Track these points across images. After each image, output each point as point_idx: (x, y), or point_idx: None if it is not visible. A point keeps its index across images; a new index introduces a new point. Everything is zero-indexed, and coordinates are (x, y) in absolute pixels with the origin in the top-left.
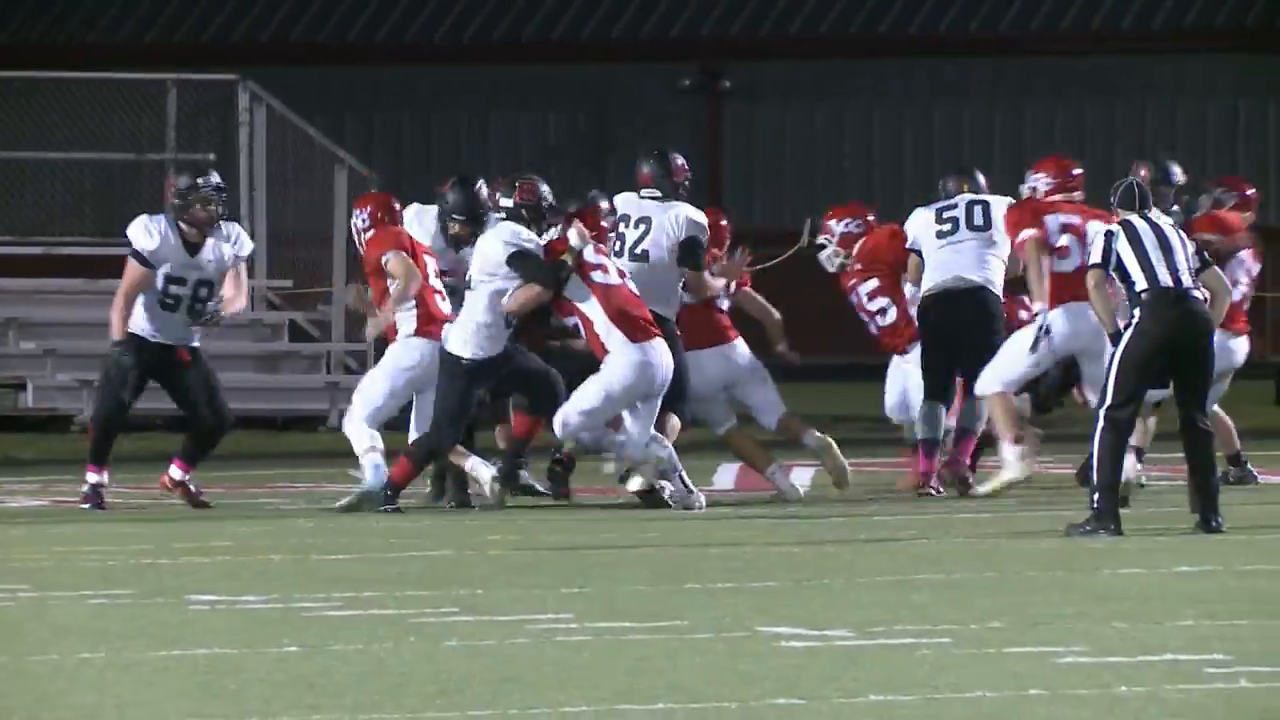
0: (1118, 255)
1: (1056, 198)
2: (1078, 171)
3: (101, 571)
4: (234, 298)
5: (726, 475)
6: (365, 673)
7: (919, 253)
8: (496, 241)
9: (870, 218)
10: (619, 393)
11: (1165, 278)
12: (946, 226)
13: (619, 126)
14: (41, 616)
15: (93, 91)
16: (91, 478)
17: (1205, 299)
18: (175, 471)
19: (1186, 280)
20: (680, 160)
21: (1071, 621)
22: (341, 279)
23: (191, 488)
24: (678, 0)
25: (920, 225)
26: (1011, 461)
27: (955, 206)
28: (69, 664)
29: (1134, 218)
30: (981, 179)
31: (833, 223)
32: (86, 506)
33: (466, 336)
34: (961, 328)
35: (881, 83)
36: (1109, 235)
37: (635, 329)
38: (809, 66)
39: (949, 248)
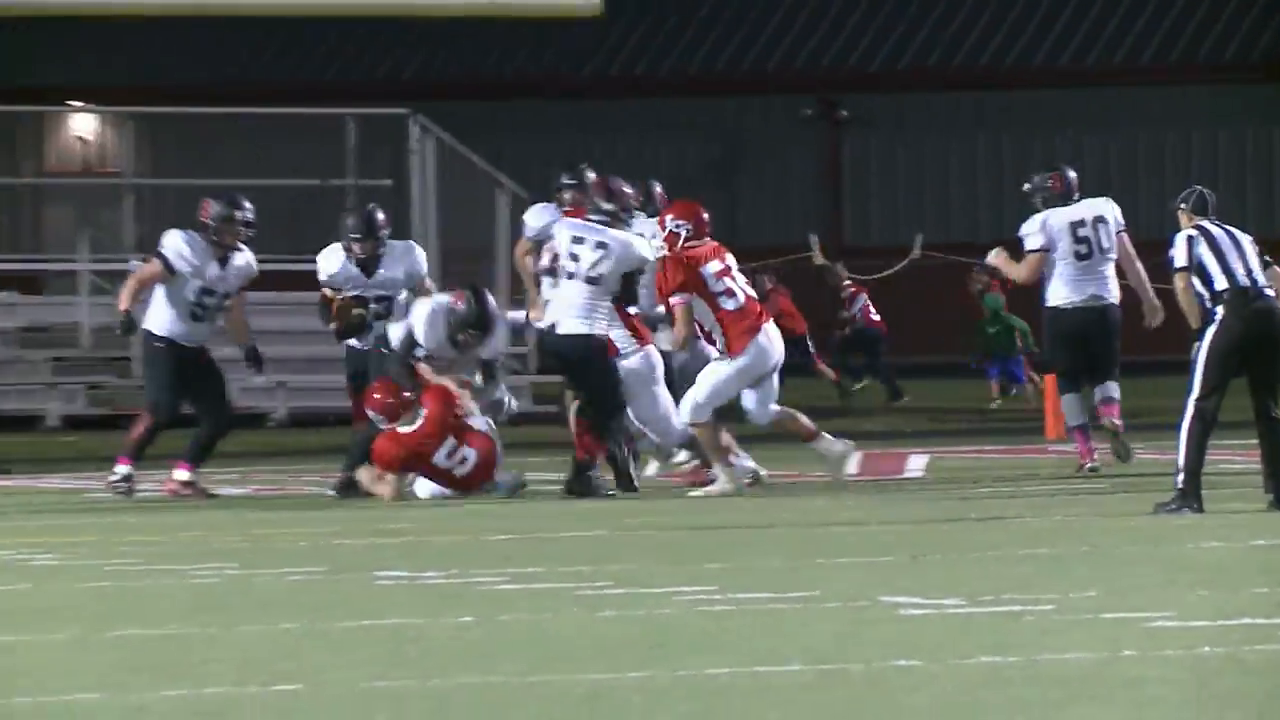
0: (1199, 258)
1: None
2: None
3: (296, 551)
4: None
5: (852, 463)
6: (532, 639)
7: (1037, 252)
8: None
9: None
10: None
11: (1242, 278)
12: (1083, 248)
13: (748, 153)
14: (245, 591)
15: (282, 125)
16: (122, 466)
17: (1275, 296)
18: (181, 473)
19: (1260, 279)
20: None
21: (1159, 590)
22: (505, 291)
23: (199, 485)
24: (800, 37)
25: (1056, 231)
26: (724, 479)
27: (1084, 225)
28: (270, 633)
29: (1206, 223)
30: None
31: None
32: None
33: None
34: (1093, 339)
35: (981, 111)
36: (1190, 240)
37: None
38: (917, 97)
39: (1084, 264)
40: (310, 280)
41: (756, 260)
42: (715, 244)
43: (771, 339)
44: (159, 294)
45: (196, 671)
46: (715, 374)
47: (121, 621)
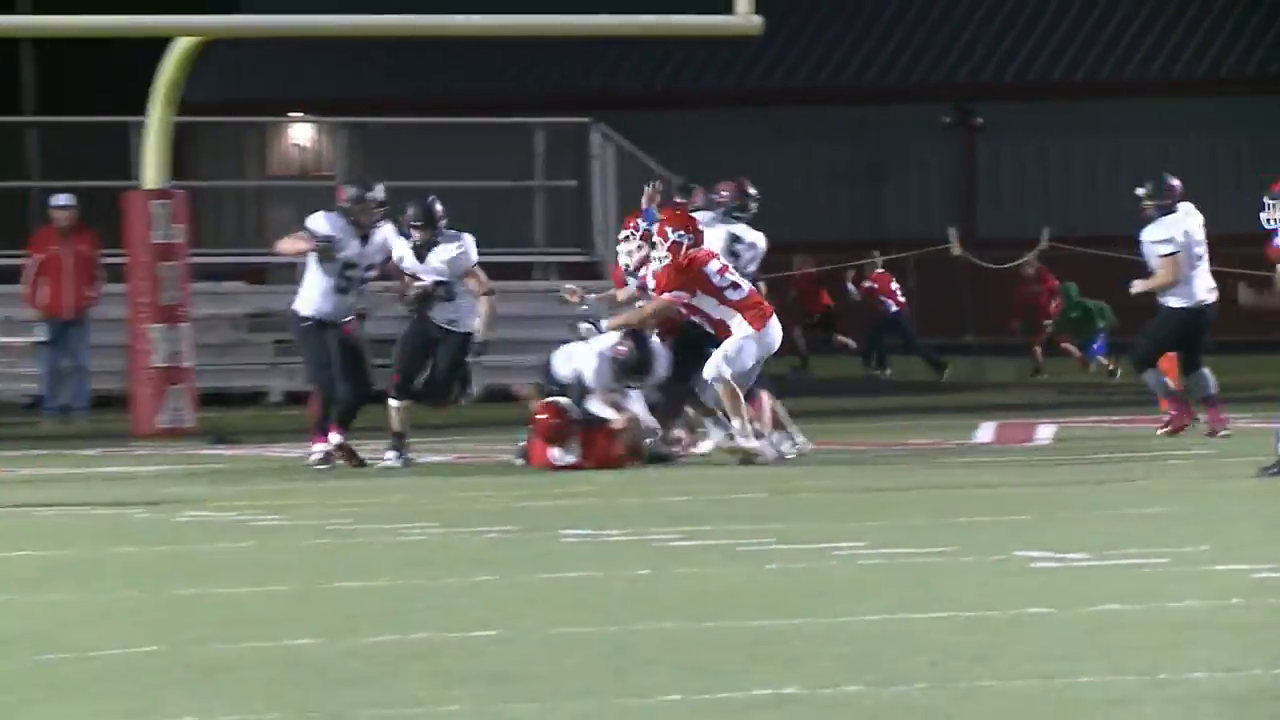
0: None
1: None
2: None
3: (492, 512)
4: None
5: (986, 431)
6: (703, 590)
7: (1174, 254)
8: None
9: None
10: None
11: None
12: (1200, 250)
13: (894, 156)
14: (447, 548)
15: (477, 133)
16: (320, 445)
17: None
18: (333, 436)
19: None
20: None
21: (1264, 545)
22: None
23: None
24: (938, 52)
25: (1183, 236)
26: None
27: (1197, 230)
28: (468, 585)
29: None
30: None
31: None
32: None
33: None
34: (1203, 331)
35: (1101, 118)
36: None
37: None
38: (1043, 105)
39: (1200, 266)
40: (500, 270)
41: (901, 251)
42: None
43: (777, 324)
44: (307, 276)
45: (404, 619)
46: (739, 340)
47: (338, 575)
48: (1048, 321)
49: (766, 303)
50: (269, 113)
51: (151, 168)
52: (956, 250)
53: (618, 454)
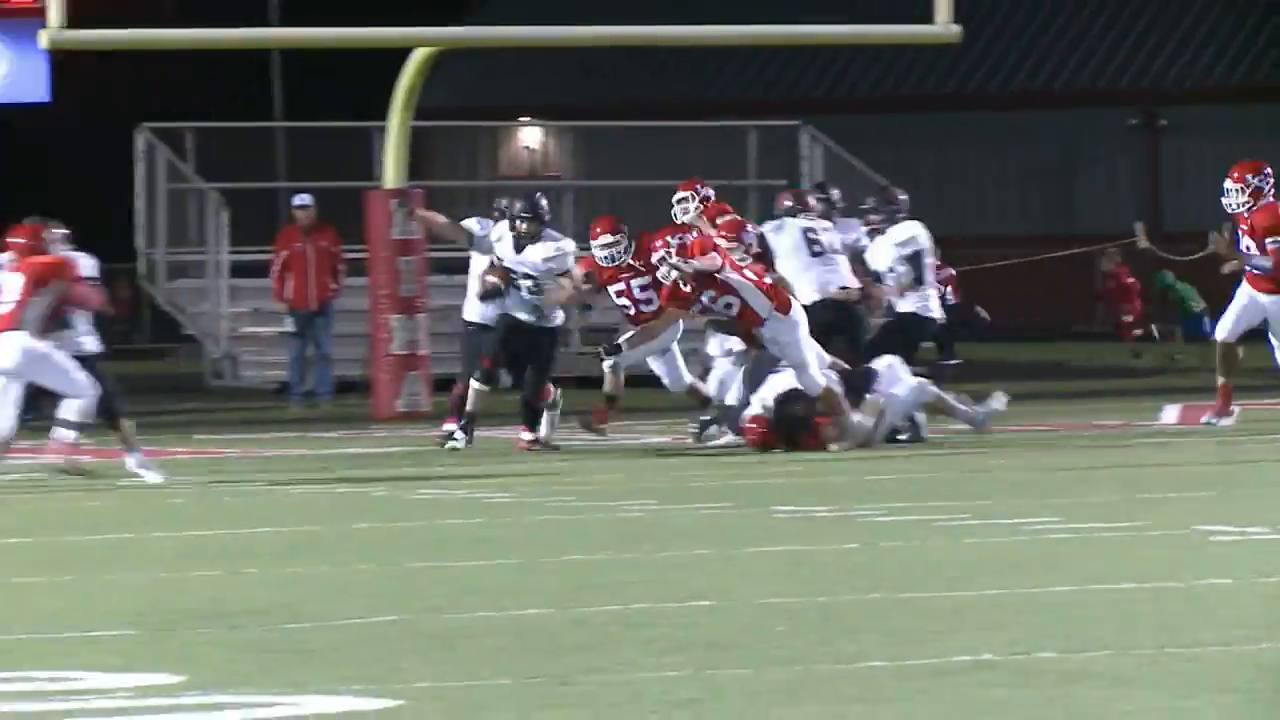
0: None
1: None
2: None
3: (706, 490)
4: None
5: (1171, 413)
6: (905, 562)
7: None
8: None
9: None
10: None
11: None
12: None
13: (1083, 156)
14: (664, 523)
15: (694, 135)
16: (447, 427)
17: None
18: (525, 435)
19: None
20: None
21: None
22: None
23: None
24: (1125, 58)
25: None
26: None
27: None
28: (685, 558)
29: None
30: None
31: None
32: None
33: None
34: None
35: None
36: None
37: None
38: (1223, 108)
39: None
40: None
41: (1093, 245)
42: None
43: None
44: (471, 285)
45: (625, 590)
46: (802, 339)
47: (562, 549)
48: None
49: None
50: (500, 117)
51: (391, 169)
52: (1143, 243)
53: (822, 442)
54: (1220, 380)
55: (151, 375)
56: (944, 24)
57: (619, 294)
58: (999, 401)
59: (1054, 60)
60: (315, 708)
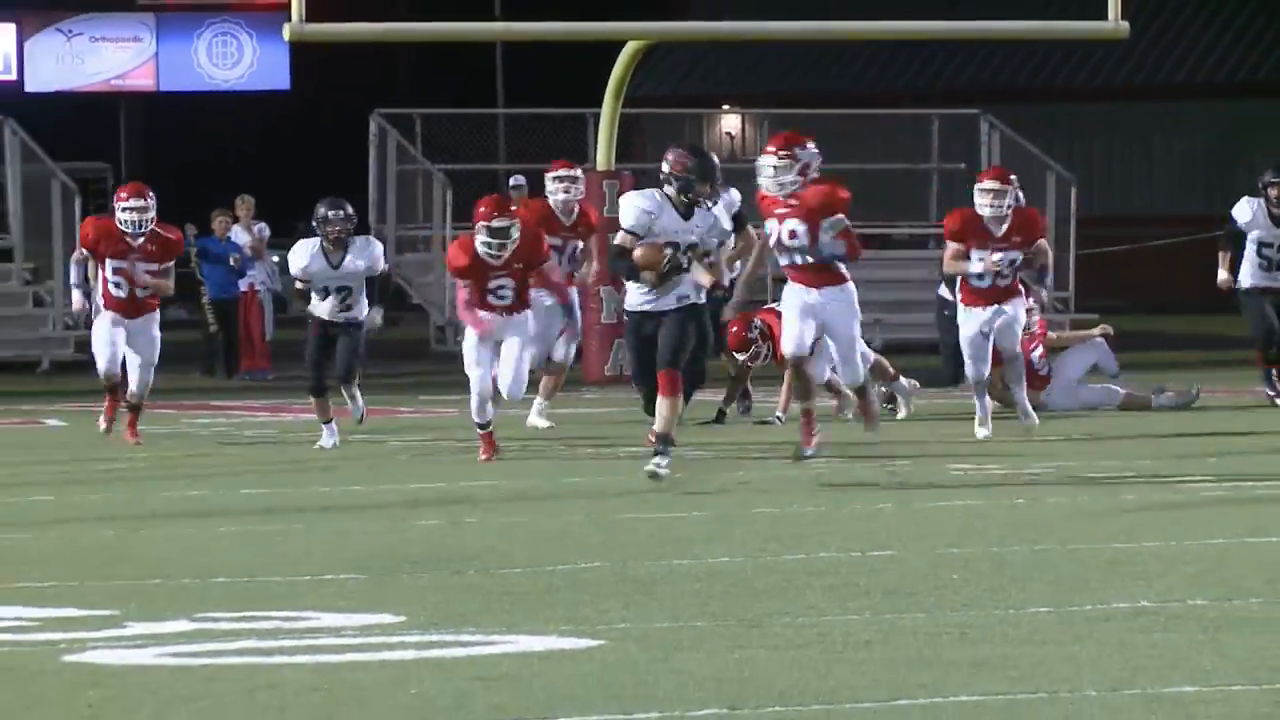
0: None
1: None
2: None
3: (887, 448)
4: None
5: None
6: (1069, 516)
7: None
8: None
9: None
10: None
11: None
12: None
13: (1243, 145)
14: (850, 477)
15: (880, 123)
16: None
17: None
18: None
19: None
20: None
21: None
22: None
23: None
24: None
25: None
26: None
27: None
28: (868, 511)
29: None
30: None
31: None
32: None
33: None
34: None
35: None
36: None
37: None
38: None
39: None
40: (898, 242)
41: None
42: None
43: None
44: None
45: (811, 541)
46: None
47: (755, 503)
48: None
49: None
50: (703, 105)
51: (602, 152)
52: None
53: None
54: None
55: (382, 341)
56: (1114, 21)
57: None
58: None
59: (1218, 53)
60: (525, 646)
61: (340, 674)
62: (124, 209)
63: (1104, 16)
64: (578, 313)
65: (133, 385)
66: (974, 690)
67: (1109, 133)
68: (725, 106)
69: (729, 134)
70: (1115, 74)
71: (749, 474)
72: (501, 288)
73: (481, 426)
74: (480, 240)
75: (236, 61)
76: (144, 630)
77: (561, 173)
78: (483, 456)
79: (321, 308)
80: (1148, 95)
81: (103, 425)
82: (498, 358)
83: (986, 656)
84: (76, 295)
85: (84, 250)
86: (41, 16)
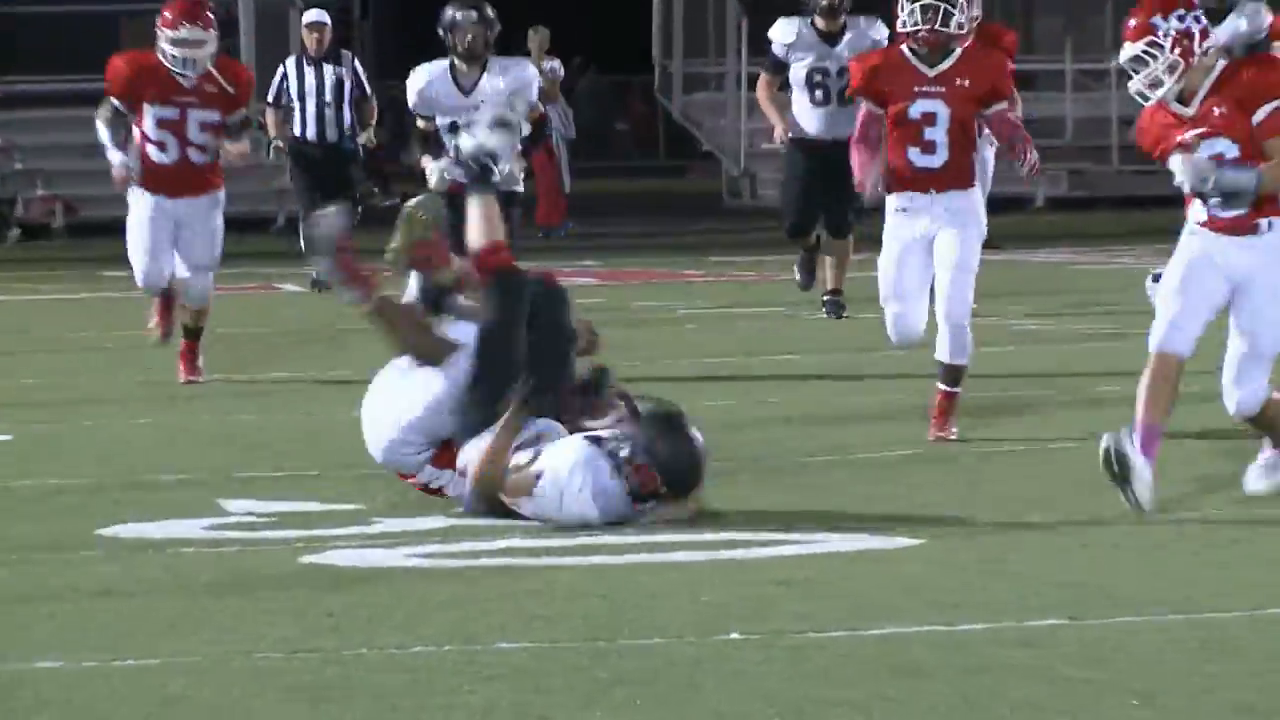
0: None
1: None
2: None
3: None
4: None
5: None
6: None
7: None
8: None
9: None
10: None
11: None
12: None
13: None
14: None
15: None
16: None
17: None
18: None
19: None
20: None
21: None
22: None
23: None
24: None
25: None
26: None
27: None
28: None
29: None
30: None
31: None
32: None
33: None
34: None
35: None
36: None
37: None
38: None
39: None
40: None
41: None
42: None
43: None
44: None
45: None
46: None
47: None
48: None
49: None
50: None
51: None
52: None
53: None
54: None
55: (667, 194)
56: None
57: None
58: None
59: None
60: (834, 547)
61: (619, 578)
62: (171, 40)
63: None
64: None
65: (187, 296)
66: None
67: None
68: None
69: None
70: None
71: None
72: None
73: None
74: None
75: None
76: (393, 528)
77: None
78: None
79: (435, 168)
80: None
81: (154, 325)
82: None
83: None
84: (117, 157)
85: (114, 100)
86: None
